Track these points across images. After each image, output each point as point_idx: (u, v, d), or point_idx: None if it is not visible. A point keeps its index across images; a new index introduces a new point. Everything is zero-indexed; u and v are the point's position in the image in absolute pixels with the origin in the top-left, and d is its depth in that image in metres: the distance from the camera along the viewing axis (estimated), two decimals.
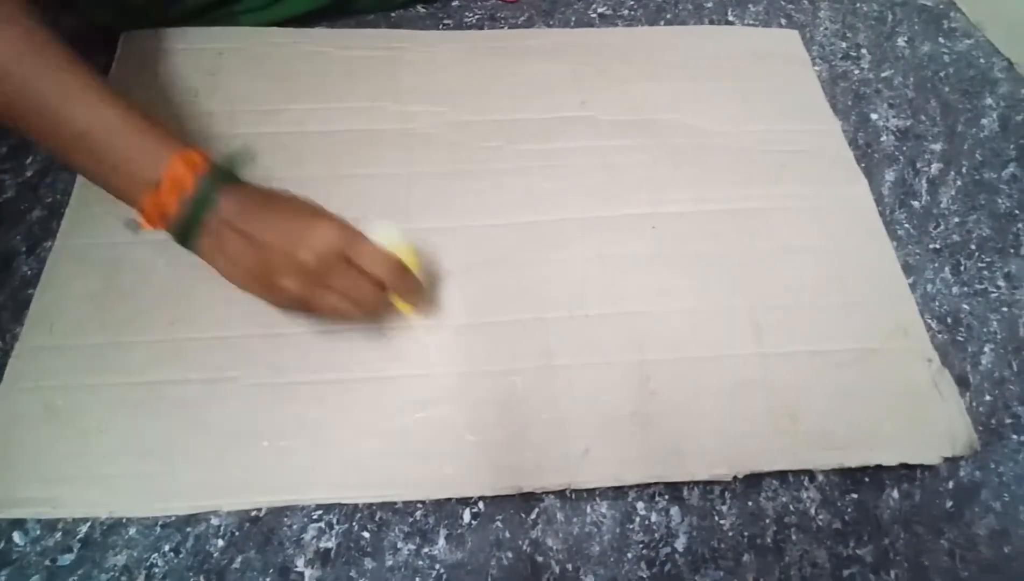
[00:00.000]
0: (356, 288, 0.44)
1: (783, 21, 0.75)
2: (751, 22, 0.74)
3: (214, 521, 0.44)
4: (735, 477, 0.46)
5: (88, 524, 0.44)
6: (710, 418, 0.48)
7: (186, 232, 0.44)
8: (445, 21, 0.73)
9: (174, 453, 0.47)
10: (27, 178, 0.60)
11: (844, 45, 0.73)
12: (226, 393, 0.49)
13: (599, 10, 0.75)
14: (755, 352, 0.50)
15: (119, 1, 0.64)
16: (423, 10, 0.73)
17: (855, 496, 0.47)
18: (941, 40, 0.73)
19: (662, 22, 0.74)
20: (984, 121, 0.67)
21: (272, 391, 0.49)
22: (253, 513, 0.45)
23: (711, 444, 0.47)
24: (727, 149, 0.61)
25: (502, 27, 0.72)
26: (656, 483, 0.46)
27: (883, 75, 0.70)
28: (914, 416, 0.48)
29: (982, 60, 0.72)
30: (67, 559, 0.43)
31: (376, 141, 0.61)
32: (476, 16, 0.73)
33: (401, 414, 0.48)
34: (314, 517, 0.45)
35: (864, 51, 0.72)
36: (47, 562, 0.43)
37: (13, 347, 0.50)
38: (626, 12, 0.75)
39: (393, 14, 0.73)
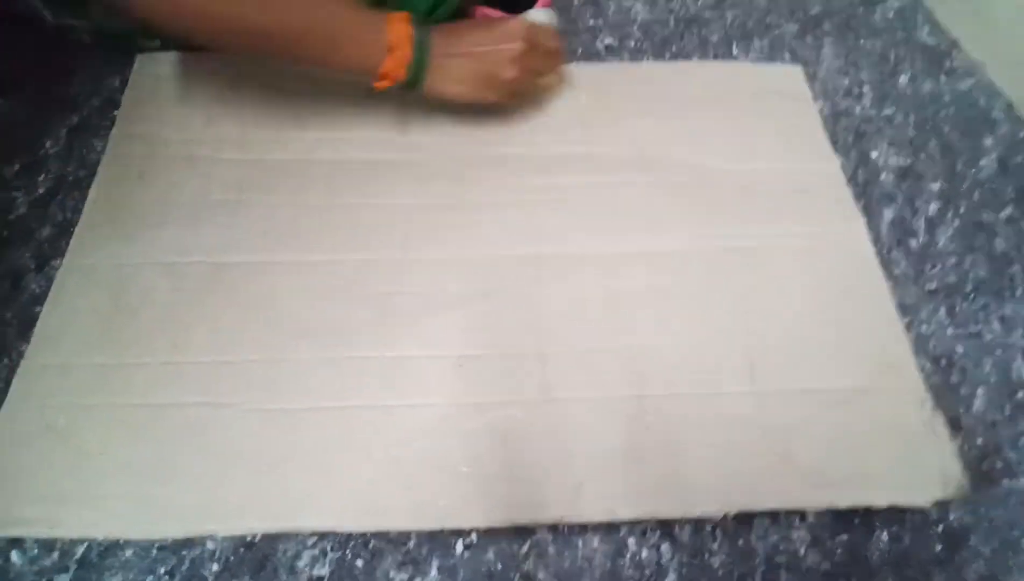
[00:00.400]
0: (545, 61, 0.61)
1: (787, 56, 0.75)
2: (756, 56, 0.75)
3: (209, 545, 0.45)
4: (726, 515, 0.47)
5: (85, 545, 0.45)
6: (703, 455, 0.48)
7: (416, 76, 0.56)
8: None
9: (172, 476, 0.47)
10: (39, 196, 0.61)
11: (847, 82, 0.73)
12: (225, 418, 0.50)
13: (606, 41, 0.76)
14: (749, 390, 0.51)
15: None
16: None
17: (845, 537, 0.47)
18: (943, 79, 0.74)
19: (667, 54, 0.75)
20: (983, 162, 0.67)
21: (271, 417, 0.50)
22: (248, 538, 0.45)
23: (703, 481, 0.47)
24: (727, 187, 0.62)
25: None
26: (648, 519, 0.47)
27: (884, 113, 0.71)
28: (905, 458, 0.49)
29: (983, 100, 0.72)
30: (63, 579, 0.43)
31: (381, 172, 0.62)
32: None
33: (398, 444, 0.49)
34: (308, 544, 0.46)
35: (866, 88, 0.73)
36: None
37: (19, 365, 0.51)
38: (632, 44, 0.76)
39: None
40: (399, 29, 0.54)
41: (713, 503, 0.47)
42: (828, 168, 0.64)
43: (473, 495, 0.47)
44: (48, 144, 0.64)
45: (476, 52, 0.57)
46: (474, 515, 0.46)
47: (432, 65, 0.56)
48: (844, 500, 0.47)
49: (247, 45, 0.54)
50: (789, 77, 0.72)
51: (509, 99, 0.61)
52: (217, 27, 0.51)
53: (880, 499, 0.47)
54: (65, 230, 0.58)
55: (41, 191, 0.61)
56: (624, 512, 0.47)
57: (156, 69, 0.68)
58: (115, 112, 0.66)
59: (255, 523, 0.46)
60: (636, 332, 0.54)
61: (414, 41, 0.55)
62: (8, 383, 0.50)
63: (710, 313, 0.55)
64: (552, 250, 0.58)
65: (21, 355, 0.52)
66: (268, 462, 0.48)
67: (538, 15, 0.63)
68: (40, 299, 0.54)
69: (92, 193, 0.60)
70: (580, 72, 0.70)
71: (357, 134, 0.64)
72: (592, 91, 0.68)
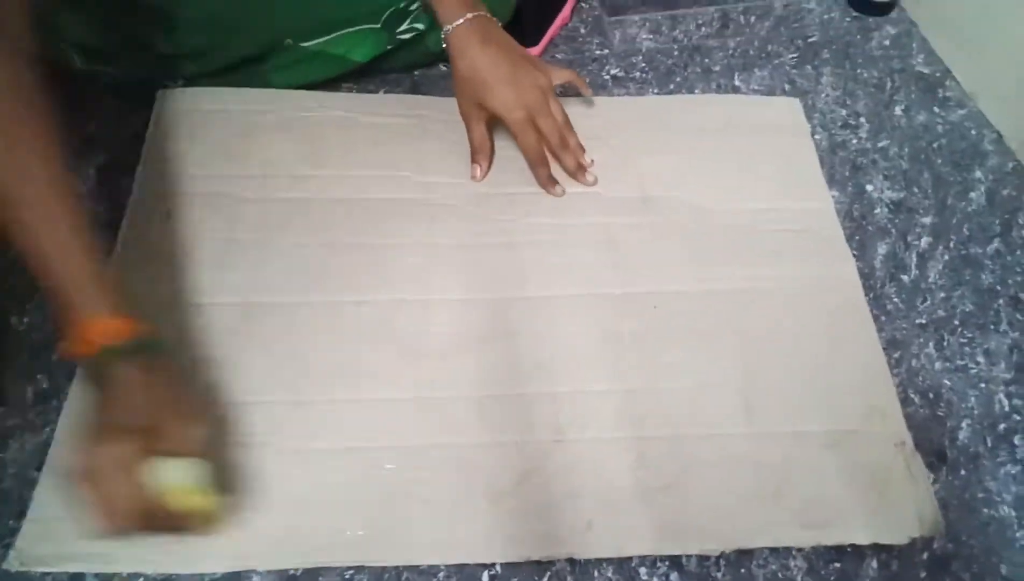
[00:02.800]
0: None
1: (787, 87, 0.78)
2: (756, 87, 0.78)
3: None
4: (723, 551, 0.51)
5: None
6: (703, 494, 0.52)
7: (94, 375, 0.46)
8: None
9: None
10: None
11: (844, 113, 0.76)
12: (260, 457, 0.53)
13: (612, 72, 0.79)
14: (746, 431, 0.55)
15: (150, 54, 0.68)
16: (444, 68, 0.77)
17: (838, 565, 0.51)
18: (936, 109, 0.77)
19: (672, 85, 0.78)
20: (973, 195, 0.70)
21: (303, 456, 0.53)
22: (291, 573, 0.49)
23: (703, 520, 0.51)
24: (727, 228, 0.65)
25: None
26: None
27: (880, 145, 0.74)
28: (886, 497, 0.52)
29: (973, 132, 0.75)
30: None
31: (398, 211, 0.65)
32: None
33: (425, 482, 0.52)
34: (346, 577, 0.49)
35: (863, 120, 0.76)
36: None
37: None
38: (637, 74, 0.79)
39: (416, 72, 0.77)
40: (94, 337, 0.44)
41: (711, 541, 0.51)
42: (823, 208, 0.67)
43: (495, 530, 0.51)
44: (79, 183, 0.66)
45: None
46: (494, 550, 0.50)
47: (109, 382, 0.45)
48: (829, 539, 0.51)
49: None
50: (788, 110, 0.75)
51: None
52: None
53: (862, 537, 0.51)
54: None
55: None
56: (630, 549, 0.51)
57: (178, 104, 0.71)
58: (141, 149, 0.68)
59: (294, 559, 0.50)
60: (641, 374, 0.57)
61: (99, 355, 0.45)
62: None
63: (710, 355, 0.58)
64: (562, 292, 0.61)
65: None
66: (301, 499, 0.51)
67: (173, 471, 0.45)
68: None
69: (123, 233, 0.63)
70: (588, 107, 0.72)
71: (374, 172, 0.67)
72: (600, 127, 0.70)
